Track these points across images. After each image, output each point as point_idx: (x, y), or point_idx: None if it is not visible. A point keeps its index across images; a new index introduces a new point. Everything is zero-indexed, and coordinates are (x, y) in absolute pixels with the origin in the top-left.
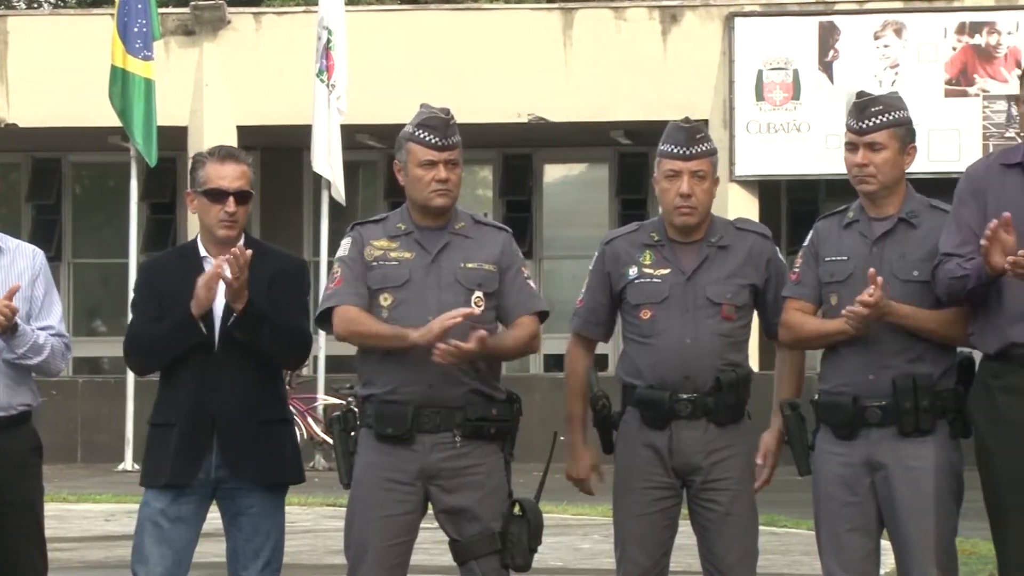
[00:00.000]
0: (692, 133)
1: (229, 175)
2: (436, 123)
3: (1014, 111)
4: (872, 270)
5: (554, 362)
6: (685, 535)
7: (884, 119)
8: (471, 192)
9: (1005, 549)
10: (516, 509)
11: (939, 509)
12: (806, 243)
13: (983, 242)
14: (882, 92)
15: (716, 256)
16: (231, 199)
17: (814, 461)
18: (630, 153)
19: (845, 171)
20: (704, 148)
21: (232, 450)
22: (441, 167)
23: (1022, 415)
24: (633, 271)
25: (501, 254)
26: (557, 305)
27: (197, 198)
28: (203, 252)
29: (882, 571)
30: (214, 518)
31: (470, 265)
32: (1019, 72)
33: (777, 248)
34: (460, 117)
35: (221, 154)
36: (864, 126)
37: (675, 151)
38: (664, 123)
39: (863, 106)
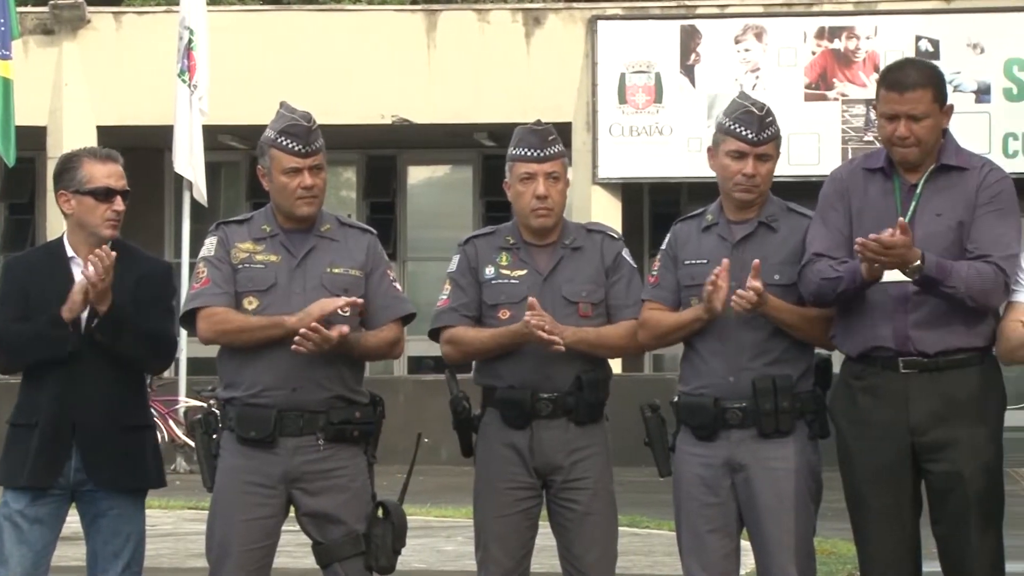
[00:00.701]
0: (545, 135)
1: (114, 174)
2: (298, 130)
3: (872, 115)
4: (757, 261)
5: (417, 364)
6: (543, 536)
7: (774, 131)
8: (335, 193)
9: (866, 549)
10: (380, 511)
11: (798, 509)
12: (664, 246)
13: (857, 247)
14: (760, 101)
15: (570, 257)
16: (119, 198)
17: (675, 462)
18: (494, 155)
19: (706, 174)
20: (557, 150)
21: (92, 456)
22: (306, 174)
23: (883, 416)
24: (490, 271)
25: (366, 258)
26: (423, 307)
27: (75, 198)
28: (70, 252)
29: (742, 571)
30: (73, 521)
31: (336, 270)
32: (877, 76)
33: (627, 249)
34: (324, 118)
35: (101, 154)
36: (760, 138)
37: (529, 154)
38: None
39: (762, 118)
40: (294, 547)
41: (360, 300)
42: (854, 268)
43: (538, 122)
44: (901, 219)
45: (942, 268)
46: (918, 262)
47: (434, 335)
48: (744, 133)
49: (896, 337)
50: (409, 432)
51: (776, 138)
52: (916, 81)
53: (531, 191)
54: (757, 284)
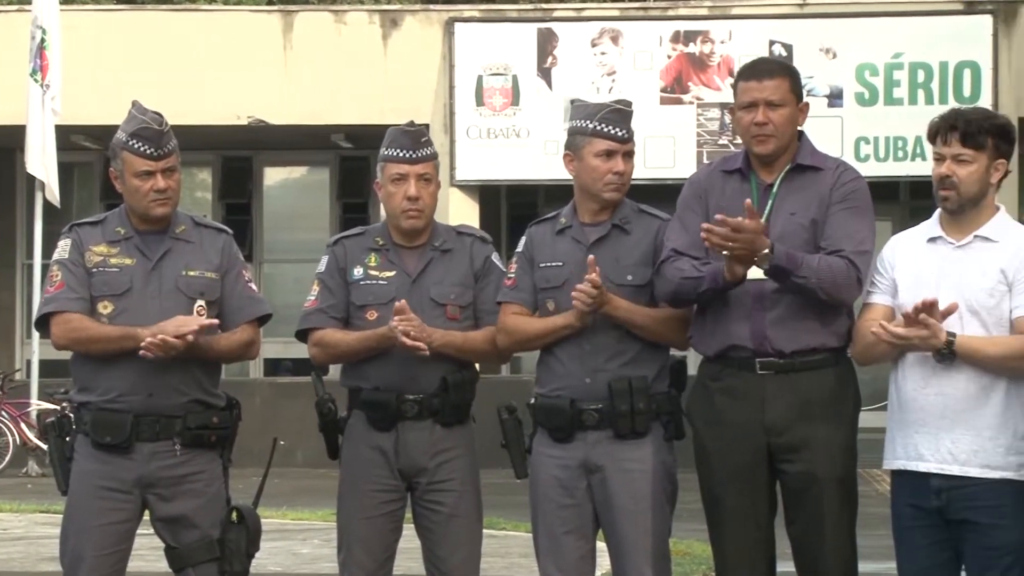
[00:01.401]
0: (417, 137)
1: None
2: (150, 133)
3: (727, 119)
4: (592, 257)
5: (274, 367)
6: (406, 538)
7: (632, 129)
8: (190, 194)
9: (721, 549)
10: (234, 515)
11: (654, 510)
12: (520, 248)
13: (703, 233)
14: (622, 103)
15: (440, 259)
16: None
17: (531, 464)
18: (351, 156)
19: (564, 176)
20: (429, 151)
21: None
22: (159, 176)
23: (740, 416)
24: (359, 271)
25: (221, 259)
26: (279, 309)
27: None
28: None
29: (598, 572)
30: None
31: (192, 273)
32: (732, 80)
33: (497, 253)
34: (178, 119)
35: None
36: (629, 134)
37: (401, 155)
38: (385, 127)
39: (628, 115)
40: (148, 551)
41: (216, 321)
42: (717, 269)
43: (411, 123)
44: (748, 201)
45: (792, 258)
46: (767, 251)
47: (301, 336)
48: (615, 132)
49: (754, 336)
50: (265, 435)
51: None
52: (774, 69)
53: (402, 192)
54: (594, 277)
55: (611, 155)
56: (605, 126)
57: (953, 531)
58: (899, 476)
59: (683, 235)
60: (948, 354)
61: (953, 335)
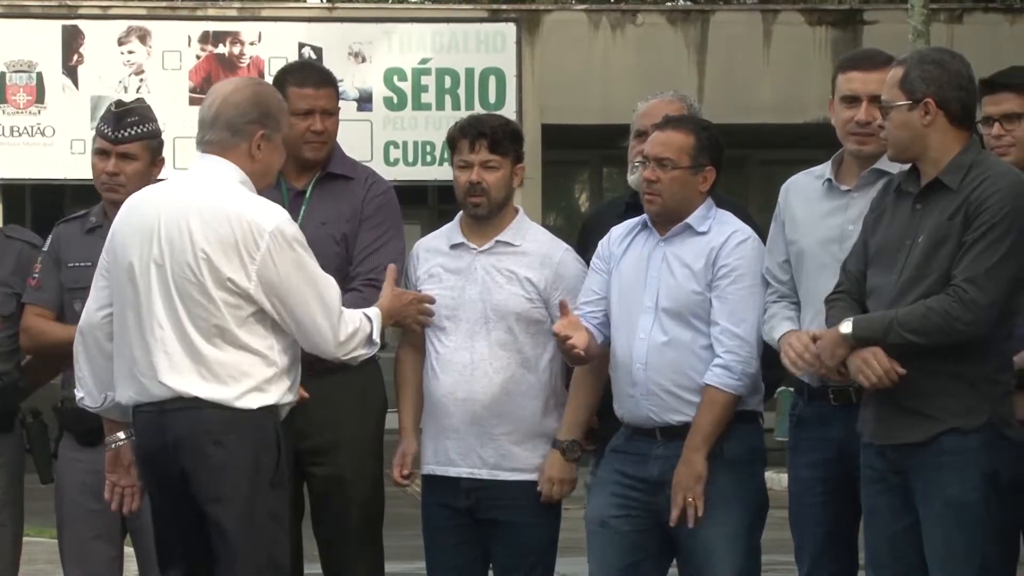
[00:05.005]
0: (122, 116)
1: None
2: (109, 115)
3: None
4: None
5: None
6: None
7: (139, 130)
8: None
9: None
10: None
11: None
12: (46, 248)
13: None
14: (136, 103)
15: None
16: None
17: (58, 469)
18: None
19: (91, 176)
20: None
21: None
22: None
23: None
24: None
25: None
26: None
27: None
28: None
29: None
30: None
31: None
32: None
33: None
34: None
35: None
36: (119, 136)
37: (105, 132)
38: None
39: (120, 116)
40: None
41: None
42: None
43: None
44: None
45: None
46: None
47: None
48: (106, 131)
49: None
50: None
51: (141, 138)
52: (327, 79)
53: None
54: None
55: (106, 156)
56: (109, 129)
57: (482, 530)
58: (429, 479)
59: None
60: None
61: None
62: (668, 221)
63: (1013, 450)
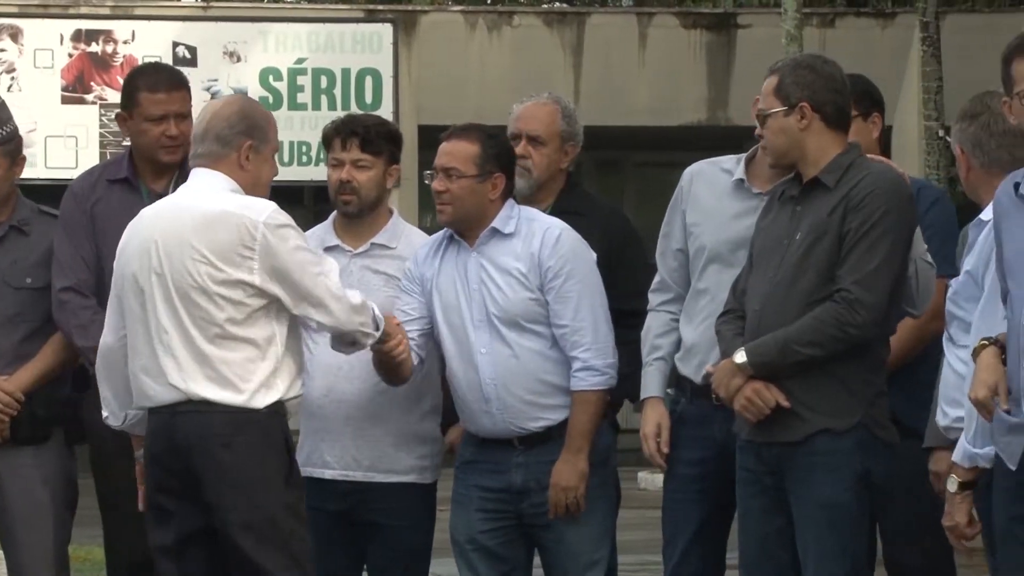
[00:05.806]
0: None
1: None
2: None
3: None
4: None
5: None
6: None
7: None
8: None
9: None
10: None
11: (54, 517)
12: None
13: None
14: None
15: None
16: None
17: None
18: None
19: None
20: None
21: None
22: None
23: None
24: None
25: None
26: None
27: None
28: None
29: None
30: None
31: None
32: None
33: None
34: None
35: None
36: None
37: None
38: None
39: None
40: None
41: None
42: None
43: None
44: None
45: None
46: None
47: None
48: None
49: None
50: None
51: None
52: (179, 81)
53: None
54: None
55: None
56: None
57: (357, 531)
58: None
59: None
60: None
61: None
62: (468, 229)
63: (886, 450)
